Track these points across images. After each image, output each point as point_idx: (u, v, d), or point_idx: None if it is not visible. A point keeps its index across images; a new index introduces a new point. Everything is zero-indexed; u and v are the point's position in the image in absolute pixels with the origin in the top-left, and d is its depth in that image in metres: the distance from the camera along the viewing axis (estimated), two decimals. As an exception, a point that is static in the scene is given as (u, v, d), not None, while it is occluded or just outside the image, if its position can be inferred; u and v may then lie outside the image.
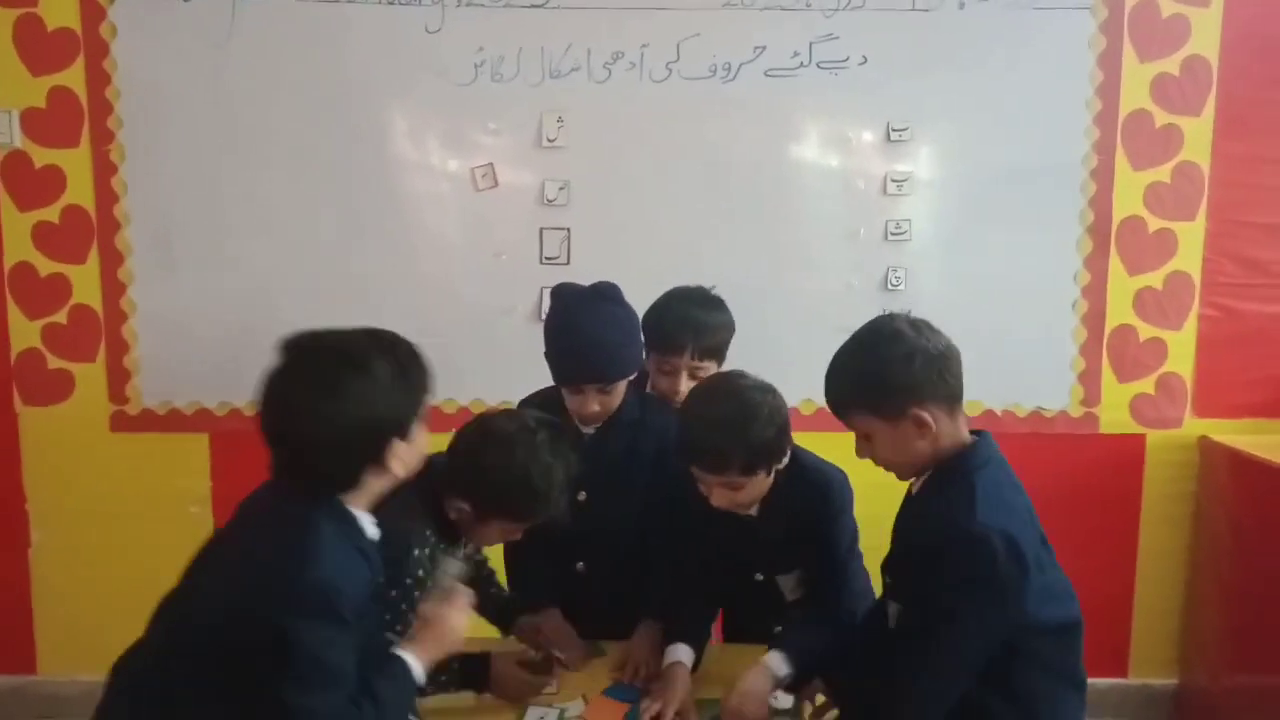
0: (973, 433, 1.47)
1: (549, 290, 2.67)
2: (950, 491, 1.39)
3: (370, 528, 1.33)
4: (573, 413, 1.85)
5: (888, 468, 1.49)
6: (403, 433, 1.29)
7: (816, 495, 1.72)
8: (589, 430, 1.88)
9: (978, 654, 1.35)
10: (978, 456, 1.42)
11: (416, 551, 1.57)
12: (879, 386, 1.41)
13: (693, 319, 1.93)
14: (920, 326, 1.44)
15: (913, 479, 1.49)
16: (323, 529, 1.24)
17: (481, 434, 1.59)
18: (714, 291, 2.05)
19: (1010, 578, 1.31)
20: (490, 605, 1.90)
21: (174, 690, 1.27)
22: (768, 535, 1.74)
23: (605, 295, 1.85)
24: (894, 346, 1.40)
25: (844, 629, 1.68)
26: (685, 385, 1.90)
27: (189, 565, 1.37)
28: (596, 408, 1.82)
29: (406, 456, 1.31)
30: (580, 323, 1.81)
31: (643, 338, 1.91)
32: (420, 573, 1.56)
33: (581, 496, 1.85)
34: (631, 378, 1.89)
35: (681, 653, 1.71)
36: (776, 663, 1.62)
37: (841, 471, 1.77)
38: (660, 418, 1.88)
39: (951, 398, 1.42)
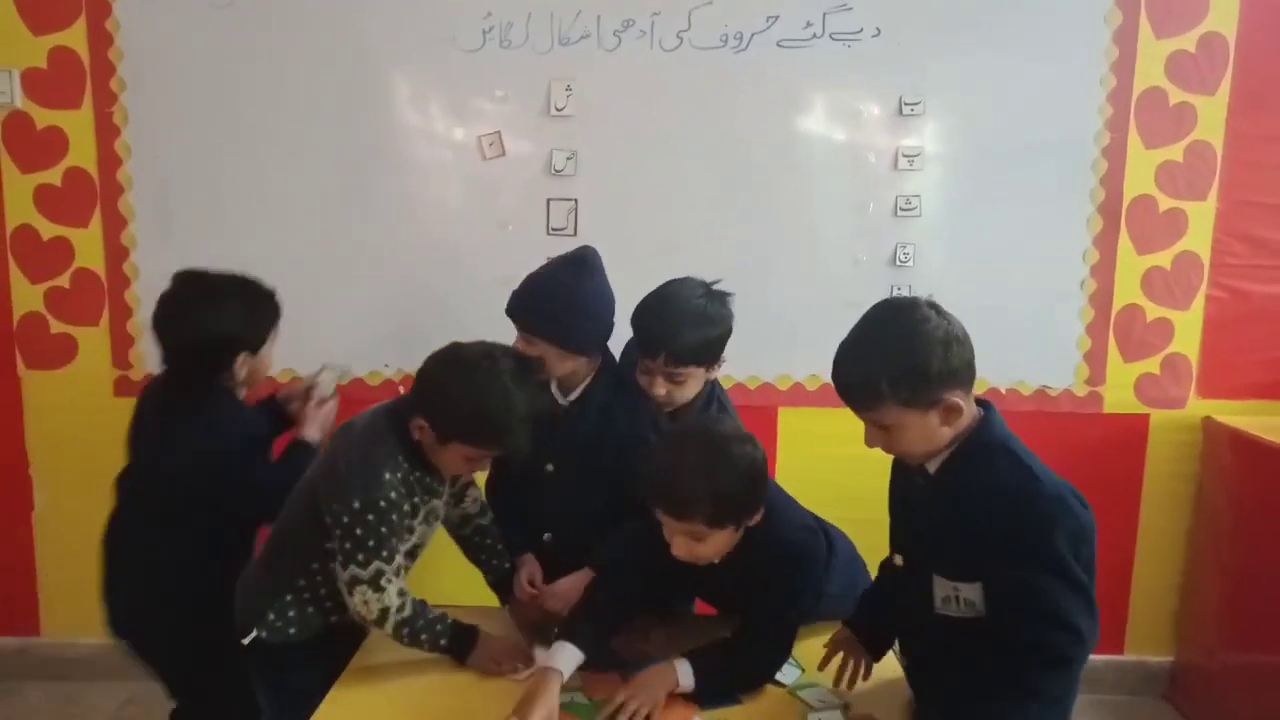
0: (978, 402, 1.44)
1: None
2: (993, 465, 1.37)
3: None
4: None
5: (907, 457, 1.45)
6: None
7: (781, 570, 1.60)
8: (564, 402, 1.89)
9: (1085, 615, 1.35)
10: (999, 426, 1.42)
11: (388, 475, 1.59)
12: (918, 377, 1.34)
13: (671, 328, 1.81)
14: (941, 309, 1.39)
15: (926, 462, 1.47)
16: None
17: (447, 357, 1.63)
18: (718, 286, 1.91)
19: (1090, 524, 1.36)
20: (491, 573, 1.93)
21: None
22: (720, 579, 1.66)
23: (578, 256, 1.87)
24: (928, 334, 1.34)
25: (760, 666, 1.65)
26: (662, 388, 1.85)
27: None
28: (534, 354, 1.79)
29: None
30: (541, 269, 1.88)
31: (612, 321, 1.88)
32: (393, 495, 1.59)
33: (550, 468, 1.88)
34: (579, 355, 1.85)
35: (565, 657, 1.59)
36: (684, 672, 1.57)
37: (817, 541, 1.65)
38: (632, 403, 1.87)
39: (973, 379, 1.40)
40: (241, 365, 1.94)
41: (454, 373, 1.60)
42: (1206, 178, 2.71)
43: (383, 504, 1.58)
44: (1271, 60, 2.66)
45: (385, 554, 1.59)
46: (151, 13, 2.61)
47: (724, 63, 2.61)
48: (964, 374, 1.37)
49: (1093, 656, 1.40)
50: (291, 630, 1.72)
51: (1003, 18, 2.61)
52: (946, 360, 1.34)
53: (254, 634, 1.71)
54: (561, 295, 1.81)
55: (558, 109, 2.62)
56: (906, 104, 2.64)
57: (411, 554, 1.72)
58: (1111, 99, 2.66)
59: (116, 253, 2.70)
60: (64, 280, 2.71)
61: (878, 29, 2.61)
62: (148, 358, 2.74)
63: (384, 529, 1.58)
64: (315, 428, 2.05)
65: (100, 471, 2.81)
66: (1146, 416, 2.82)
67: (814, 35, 2.61)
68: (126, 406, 2.76)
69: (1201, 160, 2.70)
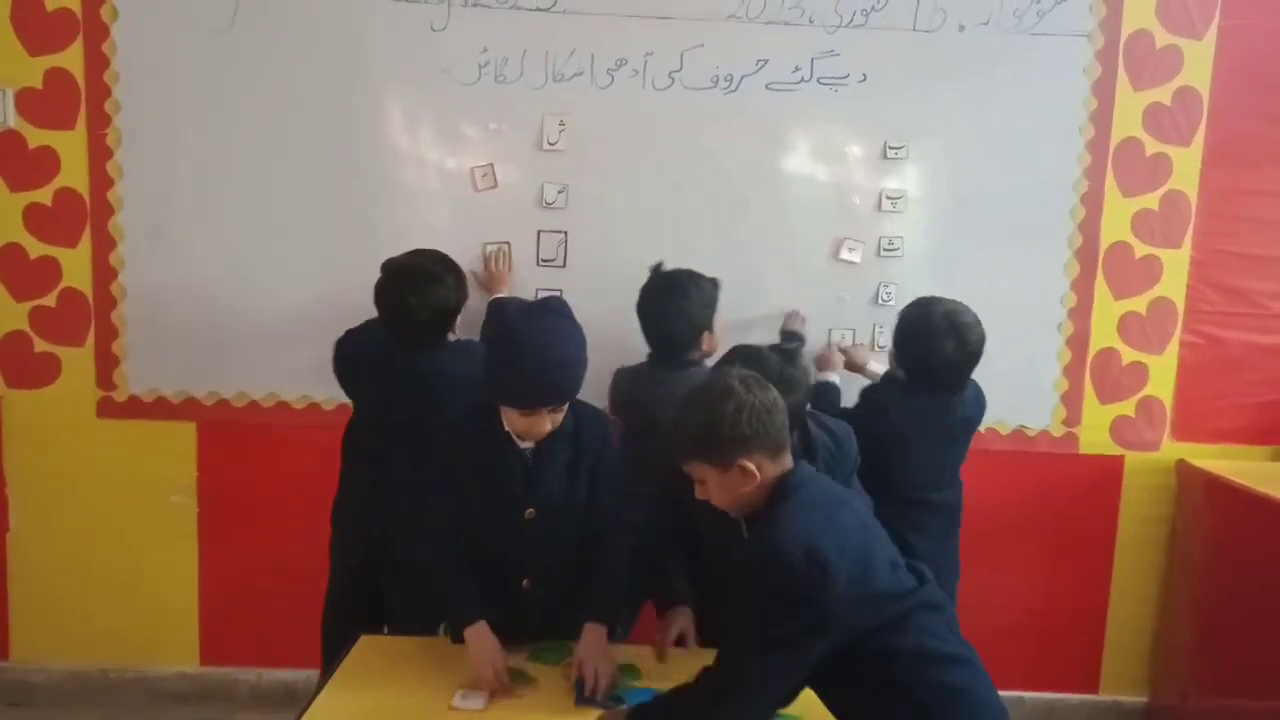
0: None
1: (542, 292, 2.70)
2: (762, 519, 1.49)
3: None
4: (520, 433, 1.79)
5: (721, 507, 1.57)
6: None
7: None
8: (527, 445, 1.82)
9: (790, 666, 1.44)
10: (789, 483, 1.50)
11: None
12: (709, 439, 1.50)
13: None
14: (750, 382, 1.52)
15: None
16: None
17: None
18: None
19: (814, 587, 1.38)
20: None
21: None
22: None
23: (555, 310, 1.76)
24: (724, 403, 1.49)
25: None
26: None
27: None
28: (549, 426, 1.77)
29: None
30: (538, 340, 1.71)
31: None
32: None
33: (529, 514, 1.84)
34: None
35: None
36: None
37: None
38: (594, 421, 1.87)
39: (776, 446, 1.51)
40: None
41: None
42: (1181, 226, 2.78)
43: None
44: (1242, 115, 2.74)
45: None
46: (149, 36, 2.63)
47: (714, 103, 2.66)
48: (755, 441, 1.48)
49: (1068, 696, 1.42)
50: None
51: (985, 67, 2.68)
52: (736, 426, 1.47)
53: None
54: (573, 347, 1.75)
55: (550, 143, 2.66)
56: (890, 148, 2.69)
57: None
58: (1090, 148, 2.73)
59: (105, 273, 2.70)
60: (50, 299, 2.70)
61: (864, 75, 2.67)
62: (132, 379, 2.74)
63: None
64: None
65: (78, 494, 2.81)
66: (1121, 458, 2.86)
67: (802, 79, 2.67)
68: (109, 428, 2.78)
69: (1176, 209, 2.77)
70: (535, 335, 1.71)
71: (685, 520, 1.84)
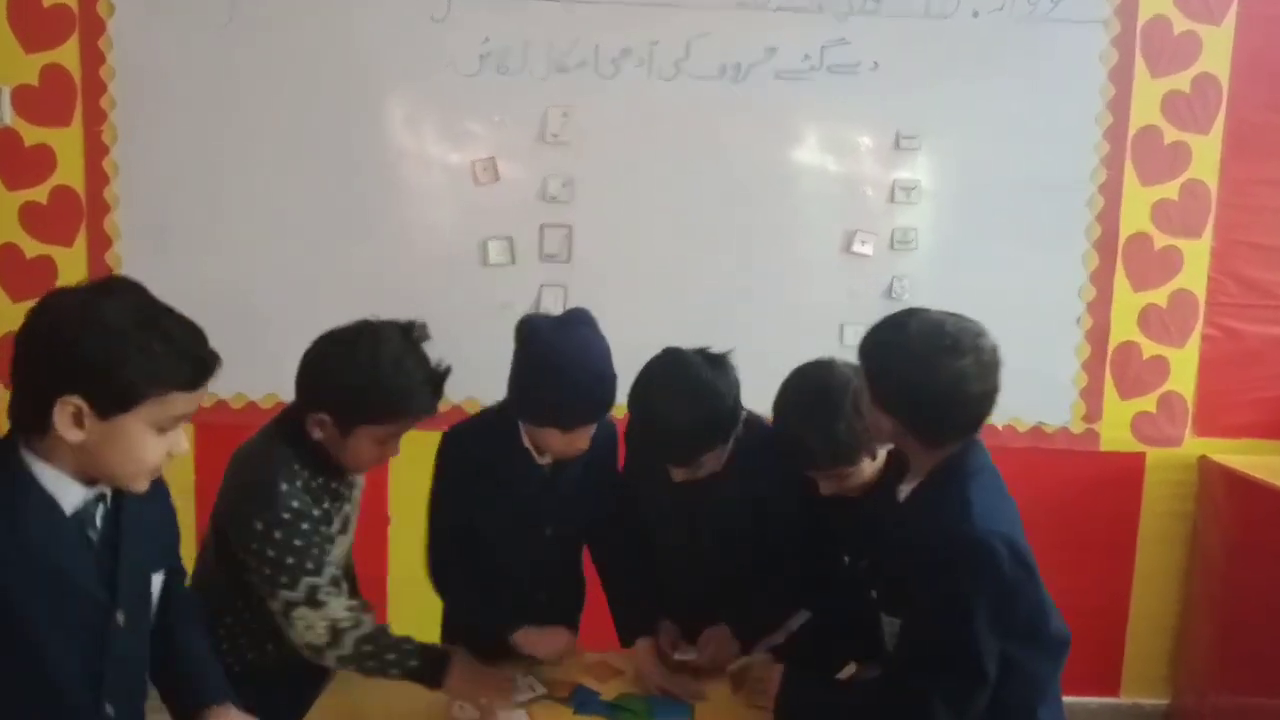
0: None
1: (545, 288, 2.65)
2: (944, 499, 1.37)
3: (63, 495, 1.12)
4: (557, 452, 1.70)
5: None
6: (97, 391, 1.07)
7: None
8: (545, 461, 1.74)
9: (994, 662, 1.32)
10: (971, 464, 1.40)
11: (284, 486, 1.48)
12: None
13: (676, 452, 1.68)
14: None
15: (901, 485, 1.47)
16: None
17: (325, 342, 1.54)
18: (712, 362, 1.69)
19: (1017, 581, 1.31)
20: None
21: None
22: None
23: (587, 322, 1.71)
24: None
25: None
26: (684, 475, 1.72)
27: None
28: (587, 443, 1.69)
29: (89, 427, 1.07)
30: (578, 357, 1.64)
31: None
32: (295, 504, 1.47)
33: (548, 532, 1.79)
34: None
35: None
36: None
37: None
38: (606, 429, 1.79)
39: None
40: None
41: (338, 353, 1.51)
42: (1201, 216, 2.72)
43: (286, 516, 1.45)
44: (1261, 104, 2.68)
45: (311, 566, 1.46)
46: (145, 32, 2.59)
47: (721, 93, 2.61)
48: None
49: (1088, 699, 1.37)
50: (235, 666, 1.53)
51: (1000, 55, 2.63)
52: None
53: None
54: (608, 362, 1.68)
55: (554, 135, 2.61)
56: (903, 138, 2.64)
57: (334, 579, 1.53)
58: (1108, 136, 2.67)
59: (101, 272, 2.66)
60: (46, 299, 2.66)
61: (875, 63, 2.61)
62: (129, 379, 2.69)
63: (298, 541, 1.45)
64: None
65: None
66: (1143, 455, 2.80)
67: (812, 68, 2.61)
68: (106, 429, 2.74)
69: (1196, 198, 2.71)
70: (575, 352, 1.64)
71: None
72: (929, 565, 1.33)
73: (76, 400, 1.07)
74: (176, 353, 1.12)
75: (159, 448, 1.14)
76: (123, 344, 1.08)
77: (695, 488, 1.69)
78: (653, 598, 1.82)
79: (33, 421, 1.09)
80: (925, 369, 1.37)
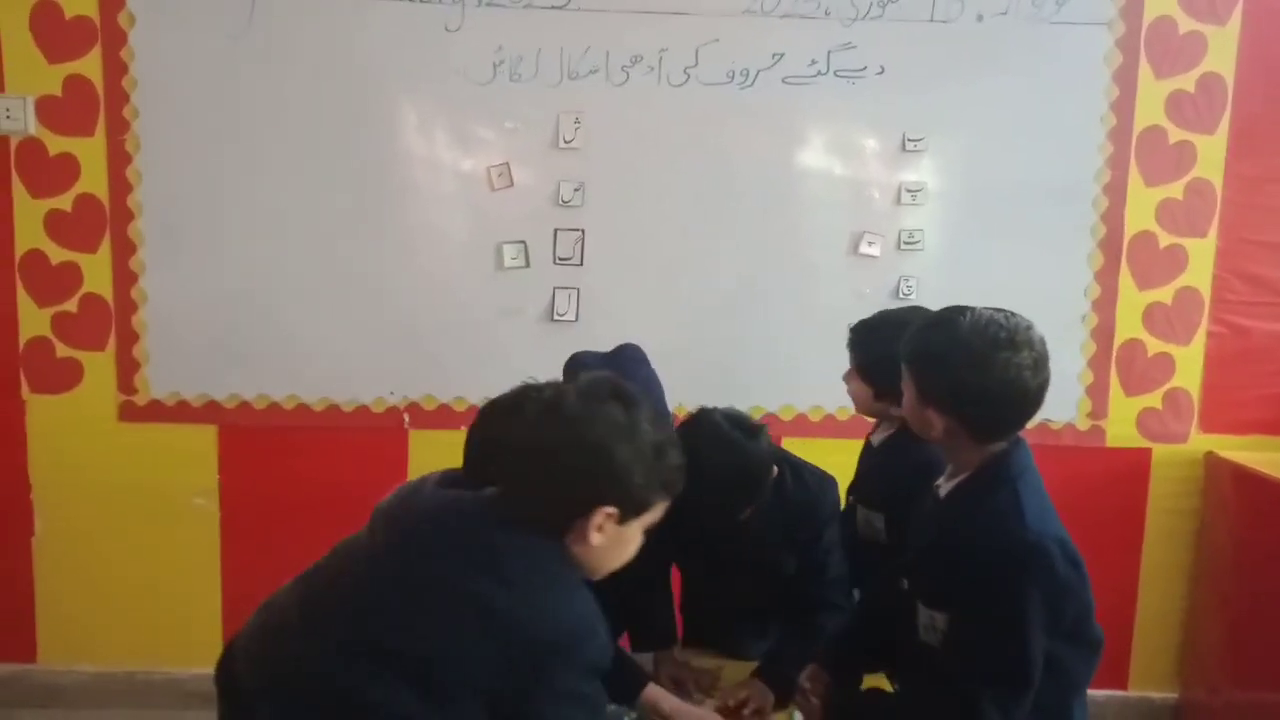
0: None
1: (558, 290, 2.69)
2: (990, 498, 1.37)
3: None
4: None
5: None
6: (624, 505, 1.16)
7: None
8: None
9: (1042, 664, 1.33)
10: (1017, 462, 1.41)
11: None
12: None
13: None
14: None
15: (939, 482, 1.48)
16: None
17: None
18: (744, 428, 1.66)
19: (1069, 581, 1.32)
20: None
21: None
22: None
23: (641, 359, 1.73)
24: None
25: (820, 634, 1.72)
26: None
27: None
28: None
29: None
30: (664, 409, 1.56)
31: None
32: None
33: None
34: None
35: None
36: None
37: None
38: None
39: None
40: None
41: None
42: (1206, 215, 2.74)
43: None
44: (1267, 102, 2.70)
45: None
46: (166, 42, 2.64)
47: (730, 98, 2.64)
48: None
49: (1096, 693, 1.39)
50: None
51: (1004, 57, 2.65)
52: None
53: None
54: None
55: (566, 141, 2.65)
56: (910, 140, 2.67)
57: None
58: (1112, 137, 2.69)
59: (125, 278, 2.71)
60: (72, 305, 2.71)
61: (881, 67, 2.65)
62: (153, 383, 2.75)
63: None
64: None
65: (101, 498, 2.82)
66: (1149, 451, 2.82)
67: (819, 72, 2.65)
68: (130, 431, 2.80)
69: (1201, 198, 2.73)
70: (661, 405, 1.55)
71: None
72: (981, 567, 1.32)
73: (609, 509, 1.16)
74: (679, 466, 1.23)
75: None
76: (657, 460, 1.18)
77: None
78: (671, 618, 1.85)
79: (561, 525, 1.17)
80: (985, 366, 1.36)
